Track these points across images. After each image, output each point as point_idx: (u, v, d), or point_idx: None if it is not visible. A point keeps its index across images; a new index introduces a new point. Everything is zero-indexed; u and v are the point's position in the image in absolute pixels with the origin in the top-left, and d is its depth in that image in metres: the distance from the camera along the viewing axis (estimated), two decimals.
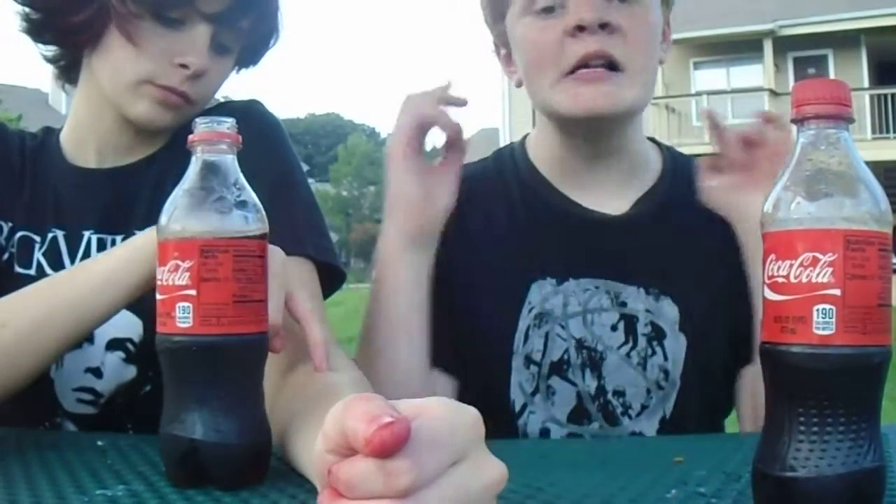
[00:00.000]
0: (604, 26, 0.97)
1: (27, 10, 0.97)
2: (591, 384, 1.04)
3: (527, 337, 1.05)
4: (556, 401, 1.04)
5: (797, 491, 0.54)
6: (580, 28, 0.97)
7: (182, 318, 0.64)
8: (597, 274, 1.05)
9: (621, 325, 1.04)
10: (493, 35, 1.13)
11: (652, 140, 1.17)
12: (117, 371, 0.97)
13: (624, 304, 1.05)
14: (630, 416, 1.04)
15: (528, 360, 1.05)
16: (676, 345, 1.04)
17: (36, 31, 0.99)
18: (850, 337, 0.53)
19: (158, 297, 0.66)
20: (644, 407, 1.04)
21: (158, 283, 0.66)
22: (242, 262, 0.65)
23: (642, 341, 1.04)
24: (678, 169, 1.13)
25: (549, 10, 1.00)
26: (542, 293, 1.05)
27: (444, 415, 0.45)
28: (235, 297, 0.64)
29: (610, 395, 1.04)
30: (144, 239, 0.80)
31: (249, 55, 1.07)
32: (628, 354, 1.04)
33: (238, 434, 0.65)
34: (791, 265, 0.54)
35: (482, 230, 1.09)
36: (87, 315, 0.81)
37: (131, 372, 0.97)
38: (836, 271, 0.53)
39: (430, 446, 0.43)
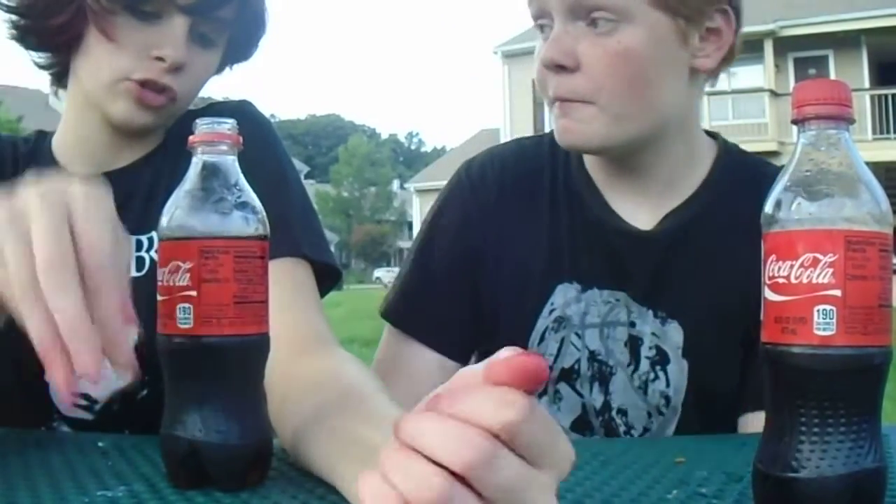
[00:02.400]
0: (561, 67, 0.95)
1: (13, 16, 0.97)
2: (597, 398, 1.02)
3: (542, 338, 1.04)
4: (562, 406, 1.03)
5: (798, 491, 0.54)
6: (545, 64, 0.97)
7: (182, 320, 0.64)
8: (619, 287, 1.03)
9: (629, 344, 1.03)
10: None
11: (712, 136, 1.10)
12: (113, 377, 0.96)
13: (633, 325, 1.03)
14: (632, 437, 1.02)
15: None
16: (679, 371, 1.02)
17: (22, 36, 0.99)
18: (851, 337, 0.53)
19: (159, 297, 0.66)
20: (646, 430, 1.02)
21: (159, 283, 0.66)
22: (243, 262, 0.65)
23: (645, 364, 1.02)
24: (725, 177, 1.06)
25: (542, 28, 0.99)
26: (565, 297, 1.04)
27: (559, 430, 0.45)
28: (236, 298, 0.64)
29: (614, 413, 1.02)
30: None
31: (238, 49, 1.05)
32: (631, 376, 1.02)
33: (239, 435, 0.65)
34: (791, 266, 0.54)
35: (521, 218, 1.09)
36: None
37: (127, 378, 0.97)
38: (837, 272, 0.53)
39: (543, 425, 0.43)
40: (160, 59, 0.93)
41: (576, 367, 1.03)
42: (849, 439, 0.53)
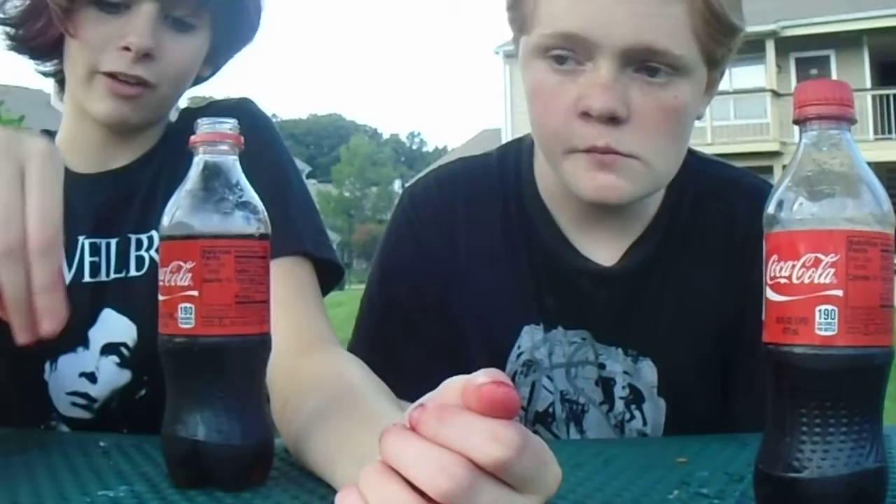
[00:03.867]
0: (613, 119, 0.85)
1: (5, 27, 0.98)
2: (574, 438, 1.00)
3: (513, 383, 1.00)
4: None
5: (800, 492, 0.54)
6: (587, 114, 0.86)
7: (184, 319, 0.64)
8: (584, 326, 0.99)
9: (601, 384, 0.99)
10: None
11: None
12: (112, 376, 0.97)
13: (602, 367, 0.99)
14: None
15: None
16: (656, 409, 0.99)
17: (16, 46, 0.99)
18: (853, 338, 0.53)
19: (160, 297, 0.66)
20: None
21: (161, 283, 0.66)
22: (244, 262, 0.65)
23: (619, 405, 0.99)
24: (687, 192, 1.01)
25: (560, 60, 0.87)
26: (532, 339, 0.99)
27: (550, 456, 0.45)
28: (237, 298, 0.64)
29: None
30: None
31: (230, 30, 1.02)
32: (606, 415, 1.00)
33: (241, 435, 0.65)
34: (793, 266, 0.54)
35: (478, 249, 1.02)
36: None
37: (126, 377, 0.97)
38: (839, 272, 0.53)
39: (535, 456, 0.43)
40: (127, 48, 0.92)
41: (550, 410, 1.00)
42: (850, 439, 0.53)
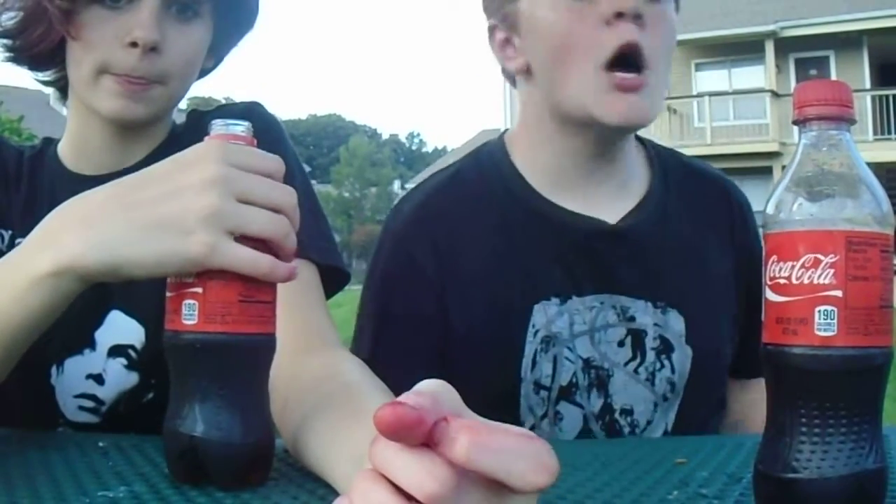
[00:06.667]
0: (638, 17, 0.93)
1: (3, 40, 0.97)
2: (596, 403, 1.01)
3: (534, 362, 1.00)
4: (563, 426, 1.01)
5: (799, 492, 0.54)
6: (618, 14, 0.93)
7: (188, 316, 0.64)
8: (602, 289, 1.02)
9: (628, 341, 1.02)
10: (493, 16, 1.05)
11: (637, 139, 1.12)
12: (119, 378, 0.97)
13: (632, 319, 1.02)
14: (636, 434, 1.03)
15: (538, 386, 1.01)
16: (683, 357, 1.03)
17: (15, 58, 0.98)
18: (852, 338, 0.53)
19: (167, 294, 0.66)
20: (648, 423, 1.03)
21: (168, 280, 0.66)
22: None
23: (651, 355, 1.02)
24: (668, 172, 1.10)
25: None
26: (546, 315, 1.01)
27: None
28: (241, 297, 0.64)
29: (617, 414, 1.02)
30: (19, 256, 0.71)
31: (228, 17, 1.01)
32: (636, 370, 1.02)
33: (240, 434, 0.65)
34: (793, 266, 0.54)
35: (476, 250, 1.04)
36: None
37: (133, 379, 0.97)
38: (838, 273, 0.53)
39: (478, 490, 0.42)
40: (134, 43, 0.91)
41: (573, 380, 1.01)
42: (850, 440, 0.53)
